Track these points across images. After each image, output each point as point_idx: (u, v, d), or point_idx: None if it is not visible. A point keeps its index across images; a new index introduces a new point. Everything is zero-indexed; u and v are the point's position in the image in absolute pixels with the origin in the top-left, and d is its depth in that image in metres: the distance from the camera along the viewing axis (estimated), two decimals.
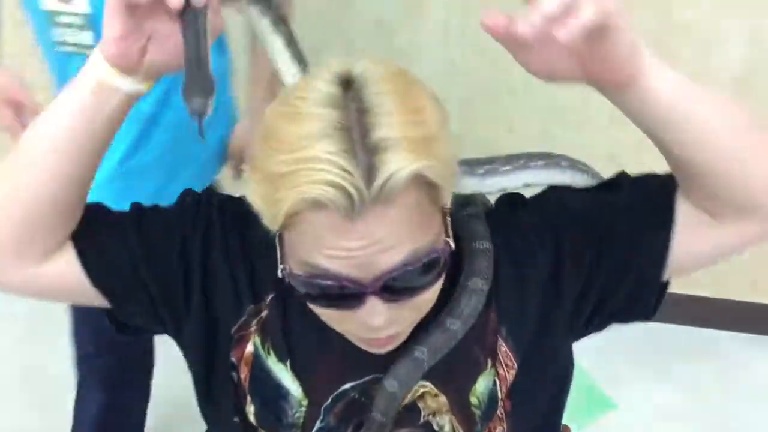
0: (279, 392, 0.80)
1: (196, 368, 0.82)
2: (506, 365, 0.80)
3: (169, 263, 0.77)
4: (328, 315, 0.71)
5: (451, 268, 0.72)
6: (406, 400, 0.79)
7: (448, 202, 0.69)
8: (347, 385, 0.80)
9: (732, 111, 0.69)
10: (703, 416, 1.82)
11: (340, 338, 0.76)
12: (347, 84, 0.62)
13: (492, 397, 0.80)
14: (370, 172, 0.59)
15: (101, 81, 0.68)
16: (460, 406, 0.80)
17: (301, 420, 0.79)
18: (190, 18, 0.64)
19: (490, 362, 0.79)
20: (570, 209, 0.79)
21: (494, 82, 1.82)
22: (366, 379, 0.80)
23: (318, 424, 0.79)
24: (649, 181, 0.78)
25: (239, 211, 0.76)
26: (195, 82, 0.65)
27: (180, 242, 0.77)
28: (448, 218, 0.70)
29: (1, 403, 1.84)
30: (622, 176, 0.81)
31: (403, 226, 0.64)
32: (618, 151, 1.64)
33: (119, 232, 0.77)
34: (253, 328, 0.80)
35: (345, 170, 0.59)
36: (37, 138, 0.72)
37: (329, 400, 0.80)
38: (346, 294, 0.66)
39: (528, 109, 1.85)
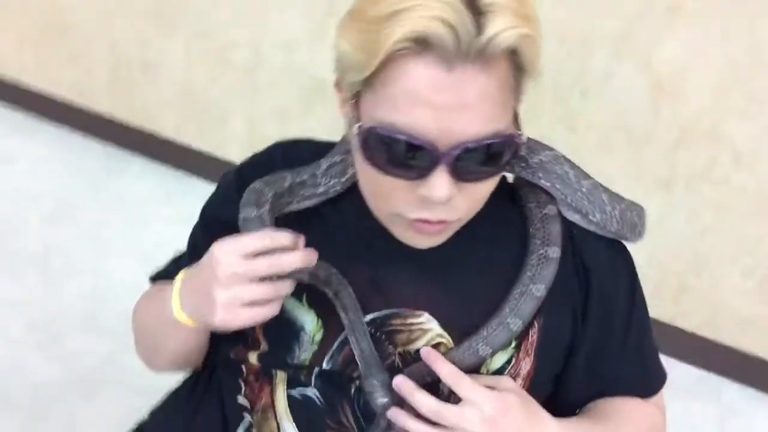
0: (292, 329, 0.80)
1: None
2: (527, 352, 0.81)
3: None
4: (385, 188, 0.71)
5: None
6: (422, 342, 0.80)
7: (524, 95, 0.71)
8: (367, 317, 0.80)
9: None
10: None
11: (360, 266, 0.79)
12: None
13: (500, 372, 0.81)
14: (478, 25, 0.62)
15: (177, 320, 0.77)
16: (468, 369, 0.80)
17: (308, 361, 0.80)
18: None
19: (514, 342, 0.80)
20: (621, 301, 0.85)
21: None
22: (387, 312, 0.80)
23: (324, 365, 0.80)
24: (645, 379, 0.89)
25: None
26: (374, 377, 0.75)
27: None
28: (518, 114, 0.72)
29: None
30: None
31: (490, 99, 0.65)
32: None
33: None
34: None
35: (459, 15, 0.61)
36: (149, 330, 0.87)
37: (342, 336, 0.80)
38: (418, 160, 0.67)
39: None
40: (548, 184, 0.82)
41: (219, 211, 0.86)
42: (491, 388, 0.76)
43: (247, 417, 0.84)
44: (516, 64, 0.67)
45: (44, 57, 2.44)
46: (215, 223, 0.84)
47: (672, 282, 1.88)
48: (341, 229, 0.82)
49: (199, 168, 2.31)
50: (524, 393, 0.79)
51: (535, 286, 0.78)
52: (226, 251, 0.71)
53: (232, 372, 0.86)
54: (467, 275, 0.81)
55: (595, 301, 0.83)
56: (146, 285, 0.95)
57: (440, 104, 0.64)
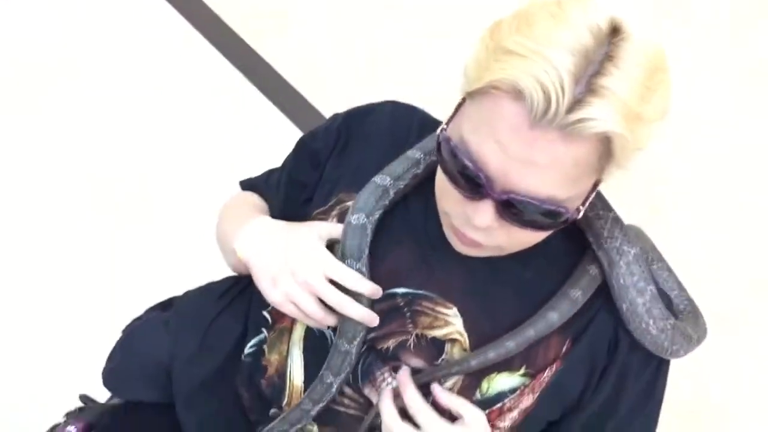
0: None
1: None
2: (533, 389, 0.82)
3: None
4: (445, 189, 0.73)
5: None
6: (441, 332, 0.81)
7: (606, 179, 0.70)
8: (401, 289, 0.82)
9: None
10: None
11: (420, 240, 0.82)
12: (615, 31, 0.63)
13: (498, 396, 0.82)
14: (576, 103, 0.61)
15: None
16: (470, 377, 0.81)
17: None
18: None
19: (524, 369, 0.81)
20: (640, 386, 0.84)
21: None
22: (422, 292, 0.82)
23: None
24: None
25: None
26: None
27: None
28: (595, 192, 0.72)
29: None
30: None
31: (560, 168, 0.65)
32: None
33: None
34: (333, 213, 0.86)
35: (561, 86, 0.60)
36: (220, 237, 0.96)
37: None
38: (472, 183, 0.68)
39: None
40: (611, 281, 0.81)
41: (315, 144, 0.92)
42: (453, 417, 0.79)
43: (264, 332, 0.88)
44: (607, 149, 0.65)
45: None
46: (307, 153, 0.91)
47: None
48: (417, 204, 0.84)
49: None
50: (488, 429, 0.80)
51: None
52: (317, 258, 0.78)
53: None
54: (507, 292, 0.81)
55: (615, 373, 0.82)
56: None
57: (511, 152, 0.64)
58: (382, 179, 0.82)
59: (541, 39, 0.62)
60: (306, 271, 0.77)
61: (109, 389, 0.98)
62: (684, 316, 0.89)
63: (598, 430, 0.85)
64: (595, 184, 0.71)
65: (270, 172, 1.01)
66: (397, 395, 0.79)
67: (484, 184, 0.67)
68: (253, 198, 0.99)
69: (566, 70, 0.60)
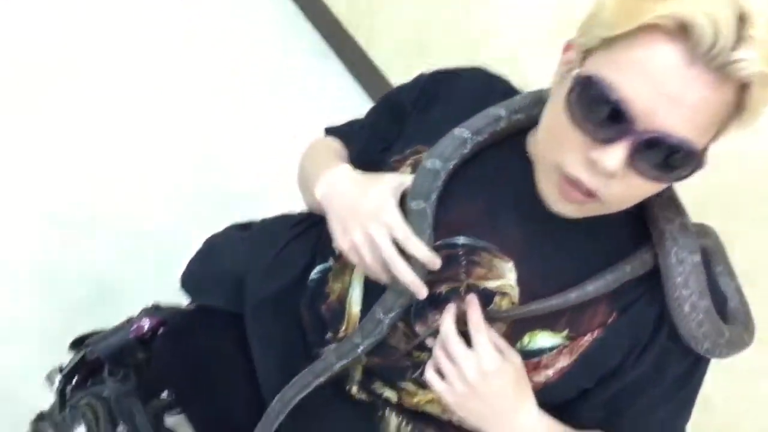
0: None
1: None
2: (572, 351, 0.84)
3: None
4: (562, 136, 0.74)
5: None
6: (493, 284, 0.84)
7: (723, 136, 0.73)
8: (462, 239, 0.85)
9: None
10: None
11: (492, 194, 0.85)
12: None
13: (537, 351, 0.84)
14: (737, 43, 0.64)
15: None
16: (515, 329, 0.84)
17: None
18: None
19: (567, 332, 0.83)
20: (679, 369, 0.86)
21: None
22: (483, 244, 0.84)
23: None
24: None
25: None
26: None
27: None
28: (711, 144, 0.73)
29: None
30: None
31: (704, 111, 0.67)
32: None
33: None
34: (408, 162, 0.90)
35: (728, 24, 0.63)
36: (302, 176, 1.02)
37: (438, 242, 0.85)
38: (610, 125, 0.69)
39: None
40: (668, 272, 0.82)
41: (399, 97, 0.97)
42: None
43: (331, 261, 0.93)
44: (739, 101, 0.68)
45: None
46: (391, 107, 0.97)
47: None
48: (494, 160, 0.87)
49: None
50: (524, 373, 0.84)
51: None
52: (386, 216, 0.81)
53: None
54: (564, 257, 0.84)
55: (655, 353, 0.84)
56: None
57: (664, 90, 0.66)
58: (460, 131, 0.85)
59: None
60: (374, 226, 0.81)
61: (186, 291, 1.04)
62: (734, 323, 0.89)
63: (622, 407, 0.86)
64: (715, 135, 0.72)
65: (352, 122, 1.06)
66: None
67: (628, 122, 0.68)
68: (334, 144, 1.04)
69: (732, 12, 0.63)
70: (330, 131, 1.08)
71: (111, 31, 2.21)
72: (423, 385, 0.87)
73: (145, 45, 2.23)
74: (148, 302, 1.04)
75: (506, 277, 0.83)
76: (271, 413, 0.88)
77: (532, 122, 0.85)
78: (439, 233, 0.84)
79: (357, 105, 2.52)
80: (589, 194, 0.74)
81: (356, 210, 0.83)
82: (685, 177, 0.72)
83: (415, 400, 0.89)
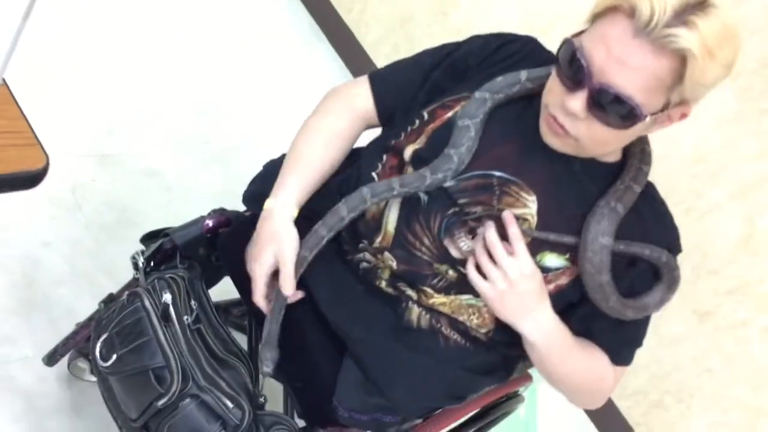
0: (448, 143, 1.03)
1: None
2: (571, 273, 1.05)
3: None
4: (551, 84, 0.96)
5: None
6: (518, 211, 1.02)
7: (673, 104, 0.92)
8: (498, 173, 1.03)
9: (574, 368, 1.08)
10: None
11: (522, 138, 1.02)
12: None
13: (544, 270, 1.03)
14: (670, 24, 0.84)
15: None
16: (529, 249, 1.01)
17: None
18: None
19: (569, 254, 1.03)
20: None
21: None
22: (513, 178, 1.02)
23: (447, 183, 1.04)
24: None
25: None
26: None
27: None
28: (667, 113, 0.93)
29: None
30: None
31: (644, 74, 0.87)
32: None
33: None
34: (461, 103, 1.08)
35: (664, 9, 0.84)
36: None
37: (472, 171, 1.03)
38: (575, 76, 0.91)
39: None
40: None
41: (461, 57, 1.15)
42: None
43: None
44: (680, 73, 0.87)
45: None
46: (453, 63, 1.15)
47: (652, 394, 2.13)
48: (528, 110, 1.06)
49: None
50: (543, 280, 1.03)
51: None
52: (259, 274, 1.08)
53: (378, 153, 1.13)
54: (573, 195, 1.03)
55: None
56: None
57: (614, 53, 0.87)
58: (481, 94, 1.05)
59: None
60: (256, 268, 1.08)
61: (246, 204, 1.24)
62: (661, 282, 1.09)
63: (591, 321, 1.08)
64: (663, 108, 0.91)
65: (395, 69, 1.21)
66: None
67: (585, 74, 0.90)
68: (338, 124, 1.18)
69: (679, 3, 0.85)
70: (372, 77, 1.21)
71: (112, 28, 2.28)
72: (439, 290, 1.07)
73: (151, 28, 2.36)
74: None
75: (529, 207, 1.03)
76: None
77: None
78: (480, 164, 1.03)
79: (341, 79, 2.74)
80: (564, 129, 0.96)
81: (257, 246, 1.09)
82: (632, 124, 0.92)
83: (431, 301, 1.08)
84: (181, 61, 2.31)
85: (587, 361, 1.09)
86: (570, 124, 0.96)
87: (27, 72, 1.67)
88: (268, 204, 1.10)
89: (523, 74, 1.07)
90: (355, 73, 2.81)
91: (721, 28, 0.87)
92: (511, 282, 1.00)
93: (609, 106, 0.91)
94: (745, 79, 1.88)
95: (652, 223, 1.07)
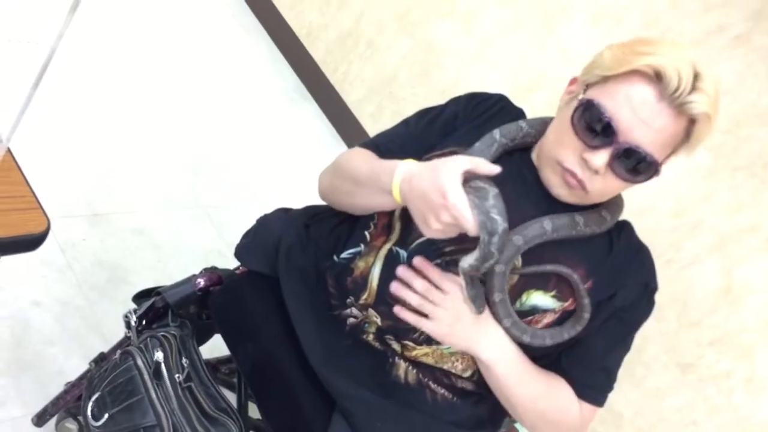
0: None
1: None
2: (562, 312, 1.08)
3: None
4: (565, 142, 1.01)
5: None
6: None
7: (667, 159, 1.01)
8: None
9: (535, 393, 1.09)
10: None
11: (514, 189, 1.04)
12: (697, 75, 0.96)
13: (532, 310, 1.07)
14: (691, 92, 0.94)
15: (390, 194, 1.02)
16: (514, 289, 1.06)
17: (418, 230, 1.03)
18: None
19: (555, 291, 1.06)
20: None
21: None
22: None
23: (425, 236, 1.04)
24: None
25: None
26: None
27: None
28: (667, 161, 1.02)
29: None
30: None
31: (663, 135, 0.96)
32: None
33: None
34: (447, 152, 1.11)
35: (687, 76, 0.93)
36: (353, 179, 1.13)
37: None
38: (600, 135, 0.96)
39: None
40: None
41: (446, 114, 1.20)
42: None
43: (362, 247, 1.15)
44: (687, 132, 0.99)
45: None
46: (436, 118, 1.21)
47: None
48: (513, 163, 1.11)
49: (353, 141, 2.73)
50: None
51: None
52: (453, 203, 0.91)
53: (371, 215, 1.18)
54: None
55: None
56: None
57: (639, 115, 0.95)
58: (495, 132, 1.10)
59: (660, 45, 0.96)
60: (444, 215, 0.92)
61: (239, 259, 1.26)
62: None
63: (558, 352, 1.11)
64: (669, 156, 1.00)
65: (382, 136, 1.24)
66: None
67: (614, 134, 0.96)
68: (370, 153, 1.18)
69: (689, 70, 0.94)
70: (365, 145, 1.23)
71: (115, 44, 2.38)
72: (420, 342, 1.10)
73: (146, 82, 2.43)
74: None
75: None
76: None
77: (536, 139, 1.13)
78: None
79: (327, 137, 2.80)
80: (580, 183, 1.02)
81: (428, 199, 0.94)
82: (645, 181, 1.00)
83: (414, 353, 1.12)
84: (168, 119, 2.37)
85: (547, 388, 1.10)
86: (588, 179, 1.01)
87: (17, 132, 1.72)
88: (397, 176, 1.01)
89: (496, 133, 1.12)
90: (341, 130, 2.88)
91: (716, 93, 0.97)
92: (457, 312, 1.04)
93: (631, 162, 0.98)
94: (719, 137, 1.95)
95: (625, 254, 1.11)
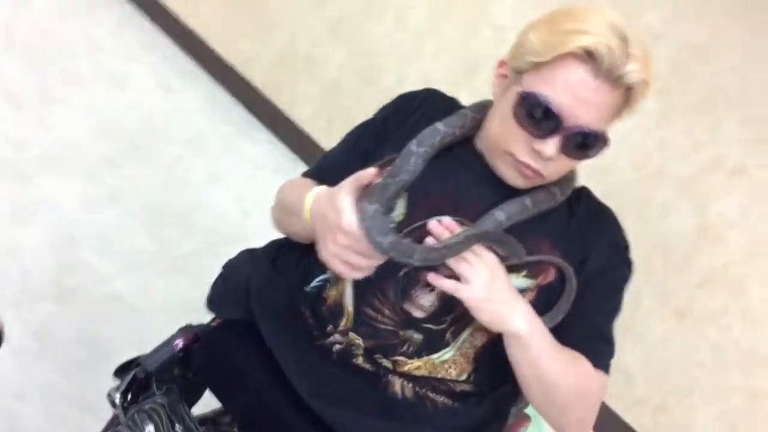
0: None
1: None
2: (537, 290, 1.07)
3: None
4: (512, 134, 1.01)
5: None
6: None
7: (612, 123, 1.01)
8: (432, 221, 1.01)
9: (565, 363, 1.03)
10: None
11: (457, 182, 1.06)
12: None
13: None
14: (624, 63, 0.94)
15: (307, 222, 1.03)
16: None
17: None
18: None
19: (526, 272, 1.06)
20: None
21: None
22: (458, 218, 1.02)
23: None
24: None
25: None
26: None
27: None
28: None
29: None
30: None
31: (605, 109, 0.97)
32: None
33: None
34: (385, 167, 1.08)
35: (618, 46, 0.92)
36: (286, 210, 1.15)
37: (413, 224, 1.05)
38: (547, 124, 0.97)
39: None
40: None
41: (375, 122, 1.21)
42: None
43: (329, 273, 1.13)
44: (626, 98, 1.00)
45: (232, 26, 2.94)
46: (369, 128, 1.20)
47: (654, 398, 2.13)
48: (453, 156, 1.10)
49: (311, 159, 2.69)
50: None
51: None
52: (344, 226, 0.93)
53: None
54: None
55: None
56: None
57: (580, 97, 0.95)
58: (439, 125, 1.06)
59: (586, 19, 0.96)
60: (339, 236, 0.94)
61: (211, 310, 1.23)
62: None
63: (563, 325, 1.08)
64: (612, 122, 1.01)
65: (321, 159, 1.26)
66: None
67: (560, 121, 0.96)
68: (309, 180, 1.18)
69: (617, 40, 0.93)
70: (306, 174, 1.24)
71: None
72: (410, 355, 1.08)
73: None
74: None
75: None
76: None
77: (475, 129, 1.12)
78: (419, 215, 1.05)
79: (287, 163, 2.78)
80: (536, 173, 1.02)
81: (325, 222, 0.97)
82: (597, 154, 1.02)
83: (407, 368, 1.09)
84: (120, 178, 2.33)
85: (572, 355, 1.06)
86: (542, 166, 1.02)
87: None
88: (308, 201, 1.04)
89: (440, 125, 1.08)
90: (297, 152, 2.85)
91: (646, 53, 0.97)
92: (492, 271, 0.99)
93: (581, 142, 1.00)
94: (662, 83, 1.95)
95: (587, 218, 1.11)
